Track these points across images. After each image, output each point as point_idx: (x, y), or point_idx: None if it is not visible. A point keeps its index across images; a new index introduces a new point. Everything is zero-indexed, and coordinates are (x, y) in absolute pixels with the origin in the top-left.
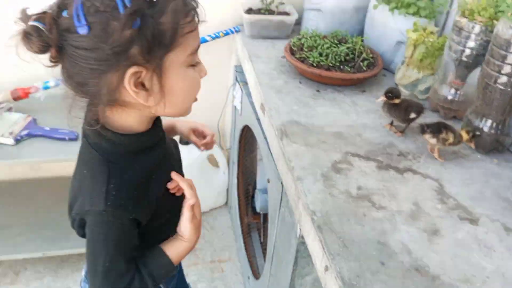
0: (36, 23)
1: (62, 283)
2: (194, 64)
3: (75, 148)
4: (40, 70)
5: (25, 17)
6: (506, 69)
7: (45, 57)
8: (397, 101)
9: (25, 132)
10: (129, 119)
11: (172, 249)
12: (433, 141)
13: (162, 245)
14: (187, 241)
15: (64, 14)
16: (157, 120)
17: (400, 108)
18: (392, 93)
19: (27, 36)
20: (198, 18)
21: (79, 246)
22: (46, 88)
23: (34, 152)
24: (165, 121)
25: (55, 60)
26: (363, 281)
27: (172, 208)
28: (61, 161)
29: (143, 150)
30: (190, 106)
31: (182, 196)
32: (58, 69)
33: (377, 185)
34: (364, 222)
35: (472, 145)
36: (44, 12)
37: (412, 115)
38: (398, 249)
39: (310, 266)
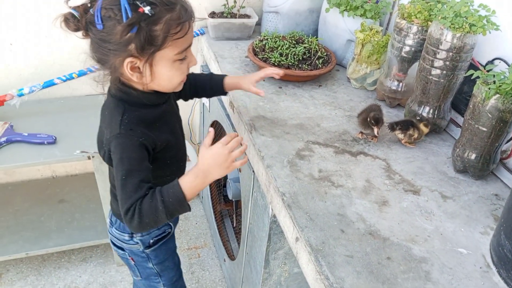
0: (73, 11)
1: (46, 280)
2: (182, 59)
3: (53, 151)
4: (12, 78)
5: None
6: (438, 63)
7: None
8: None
9: (3, 139)
10: (135, 85)
11: (186, 178)
12: (401, 136)
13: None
14: (200, 168)
15: (91, 11)
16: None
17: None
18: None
19: (66, 19)
20: (189, 25)
21: (60, 244)
22: (20, 95)
23: (13, 157)
24: (231, 79)
25: (84, 37)
26: (327, 246)
27: (176, 153)
28: (39, 164)
29: (148, 104)
30: (178, 85)
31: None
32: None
33: (335, 167)
34: (325, 199)
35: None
36: (79, 6)
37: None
38: (354, 218)
39: (281, 241)
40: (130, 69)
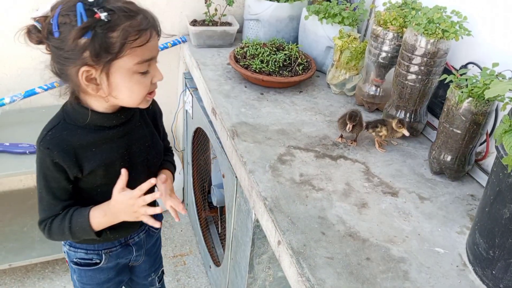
0: (36, 23)
1: None
2: (143, 72)
3: (36, 161)
4: None
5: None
6: (414, 68)
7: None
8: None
9: None
10: (92, 102)
11: (96, 212)
12: (373, 134)
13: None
14: (111, 209)
15: (51, 20)
16: (122, 113)
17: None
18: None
19: (28, 32)
20: (151, 35)
21: (44, 254)
22: (1, 105)
23: None
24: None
25: (48, 52)
26: (308, 248)
27: (109, 183)
28: (21, 174)
29: (92, 126)
30: (142, 100)
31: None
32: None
33: (316, 171)
34: (306, 202)
35: (404, 130)
36: (43, 17)
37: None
38: (335, 221)
39: (265, 245)
40: (86, 79)
